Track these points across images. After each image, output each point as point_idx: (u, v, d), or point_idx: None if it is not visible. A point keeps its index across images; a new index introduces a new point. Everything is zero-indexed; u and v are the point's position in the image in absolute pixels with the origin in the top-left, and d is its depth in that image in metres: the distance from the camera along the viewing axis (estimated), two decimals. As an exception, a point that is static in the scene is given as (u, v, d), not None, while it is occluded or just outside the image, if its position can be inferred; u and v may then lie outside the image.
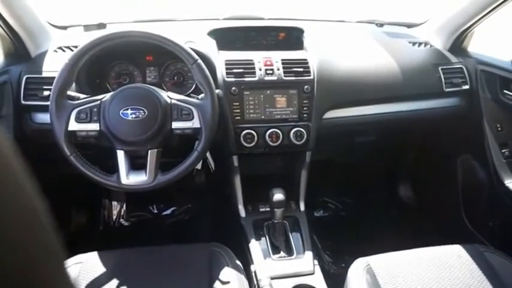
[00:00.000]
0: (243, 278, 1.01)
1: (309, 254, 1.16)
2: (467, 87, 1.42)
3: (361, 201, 1.88)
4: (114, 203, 1.83)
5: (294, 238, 1.21)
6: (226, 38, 1.37)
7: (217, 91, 1.09)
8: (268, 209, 1.27)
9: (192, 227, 1.77)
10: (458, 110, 1.42)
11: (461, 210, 1.53)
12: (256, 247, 1.18)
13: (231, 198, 1.36)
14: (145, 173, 1.00)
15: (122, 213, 1.82)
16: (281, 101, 1.24)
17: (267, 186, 1.22)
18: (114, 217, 1.81)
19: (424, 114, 1.38)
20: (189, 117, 1.01)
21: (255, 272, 1.11)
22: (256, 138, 1.21)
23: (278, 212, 1.19)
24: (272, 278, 1.07)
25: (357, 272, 0.96)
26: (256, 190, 1.30)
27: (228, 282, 0.98)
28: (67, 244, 0.31)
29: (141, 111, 0.98)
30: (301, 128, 1.22)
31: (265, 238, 1.22)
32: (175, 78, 1.35)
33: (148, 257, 1.00)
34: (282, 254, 1.17)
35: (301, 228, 1.25)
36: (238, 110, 1.21)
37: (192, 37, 1.27)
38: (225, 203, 1.45)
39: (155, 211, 1.87)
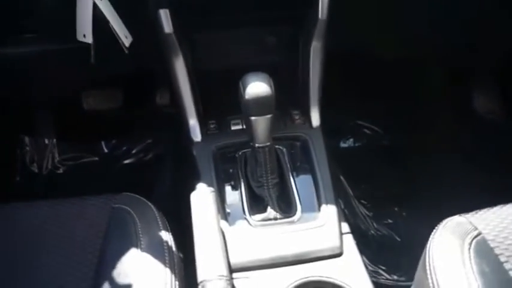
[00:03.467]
0: (166, 273, 0.50)
1: (329, 211, 0.60)
2: None
3: (414, 123, 1.37)
4: (39, 141, 1.33)
5: (299, 180, 0.66)
6: None
7: None
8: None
9: (153, 172, 1.24)
10: None
11: None
12: (208, 202, 0.57)
13: (177, 108, 0.75)
14: None
15: (53, 156, 1.34)
16: None
17: None
18: (40, 162, 1.33)
19: None
20: None
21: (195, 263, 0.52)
22: None
23: (261, 123, 0.58)
24: (239, 270, 0.50)
25: (454, 244, 0.51)
26: (228, 96, 0.71)
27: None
28: None
29: None
30: None
31: (239, 182, 0.65)
32: None
33: (24, 217, 0.67)
34: (271, 212, 0.61)
35: (313, 159, 0.68)
36: None
37: None
38: None
39: (105, 151, 1.37)
